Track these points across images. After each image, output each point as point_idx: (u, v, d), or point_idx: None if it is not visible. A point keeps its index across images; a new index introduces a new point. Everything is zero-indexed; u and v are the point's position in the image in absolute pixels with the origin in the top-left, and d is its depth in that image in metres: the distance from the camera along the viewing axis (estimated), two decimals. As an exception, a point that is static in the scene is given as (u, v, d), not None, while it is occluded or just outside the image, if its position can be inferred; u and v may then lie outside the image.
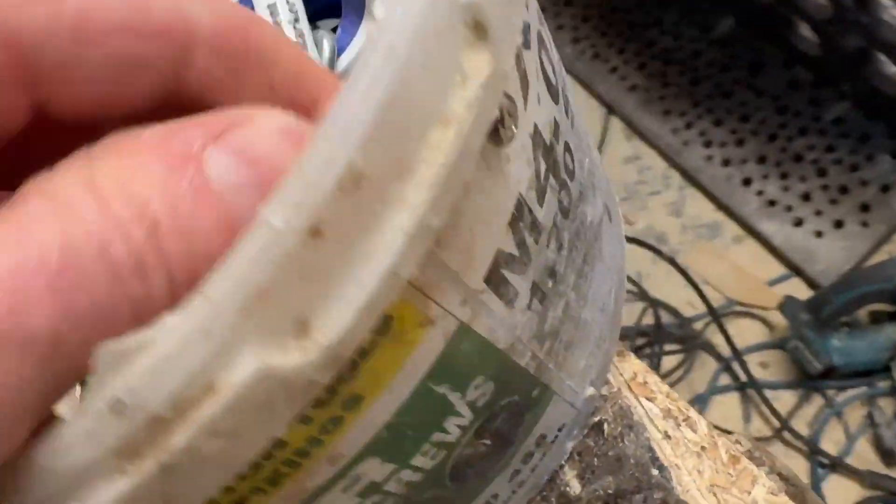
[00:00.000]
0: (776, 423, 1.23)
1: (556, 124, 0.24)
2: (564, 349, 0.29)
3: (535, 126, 0.22)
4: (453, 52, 0.16)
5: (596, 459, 0.41)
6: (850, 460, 1.18)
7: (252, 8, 0.59)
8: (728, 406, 1.28)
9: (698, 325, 1.35)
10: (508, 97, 0.19)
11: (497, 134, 0.19)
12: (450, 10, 0.16)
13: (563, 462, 0.40)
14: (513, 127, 0.20)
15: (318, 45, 0.59)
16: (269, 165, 0.16)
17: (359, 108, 0.15)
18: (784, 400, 1.26)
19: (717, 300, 1.35)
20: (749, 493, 0.41)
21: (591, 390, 0.35)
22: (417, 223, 0.16)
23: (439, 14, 0.16)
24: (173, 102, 0.20)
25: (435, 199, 0.16)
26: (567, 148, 0.25)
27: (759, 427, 1.25)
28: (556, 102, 0.24)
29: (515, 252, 0.22)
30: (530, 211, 0.22)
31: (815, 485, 1.17)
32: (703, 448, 0.43)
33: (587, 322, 0.31)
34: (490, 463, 0.28)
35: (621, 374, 0.45)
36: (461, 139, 0.16)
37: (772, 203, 1.41)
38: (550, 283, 0.25)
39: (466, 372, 0.22)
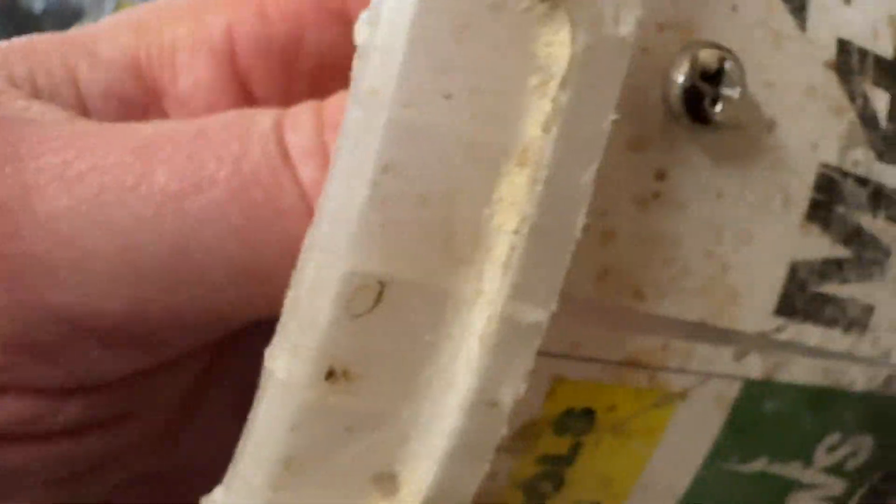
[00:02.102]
0: None
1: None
2: None
3: (843, 46, 0.14)
4: (519, 40, 0.11)
5: None
6: None
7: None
8: None
9: None
10: (713, 45, 0.12)
11: (699, 109, 0.12)
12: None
13: None
14: (733, 87, 0.12)
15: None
16: None
17: (353, 195, 0.10)
18: None
19: None
20: None
21: None
22: (506, 315, 0.11)
23: None
24: None
25: (523, 271, 0.11)
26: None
27: None
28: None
29: (840, 253, 0.14)
30: (861, 181, 0.14)
31: None
32: None
33: None
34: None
35: None
36: (543, 182, 0.10)
37: None
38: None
39: (799, 434, 0.15)
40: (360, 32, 0.11)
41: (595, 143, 0.11)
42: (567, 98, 0.10)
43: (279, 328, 0.11)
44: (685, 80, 0.12)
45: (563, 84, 0.10)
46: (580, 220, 0.11)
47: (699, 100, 0.12)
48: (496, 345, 0.11)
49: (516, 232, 0.11)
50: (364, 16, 0.11)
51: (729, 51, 0.12)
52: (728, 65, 0.12)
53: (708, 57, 0.12)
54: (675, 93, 0.12)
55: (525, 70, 0.11)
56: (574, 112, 0.10)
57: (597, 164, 0.11)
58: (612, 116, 0.11)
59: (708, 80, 0.12)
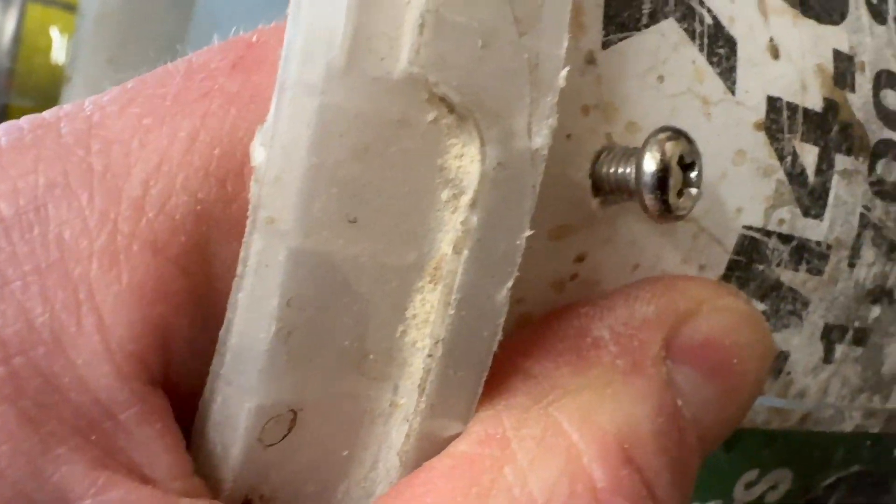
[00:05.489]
0: None
1: (846, 58, 0.15)
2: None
3: (773, 104, 0.13)
4: (425, 155, 0.10)
5: None
6: None
7: None
8: None
9: None
10: (678, 134, 0.11)
11: (664, 202, 0.11)
12: (385, 93, 0.09)
13: None
14: (697, 185, 0.11)
15: None
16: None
17: (258, 330, 0.10)
18: None
19: None
20: None
21: None
22: (424, 433, 0.11)
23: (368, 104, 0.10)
24: None
25: (439, 392, 0.10)
26: (891, 78, 0.15)
27: None
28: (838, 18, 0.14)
29: (760, 306, 0.14)
30: (784, 238, 0.14)
31: None
32: None
33: None
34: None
35: None
36: (456, 304, 0.10)
37: None
38: (877, 311, 0.16)
39: (715, 474, 0.16)
40: (256, 154, 0.10)
41: (509, 261, 0.10)
42: (477, 219, 0.10)
43: (193, 455, 0.11)
44: (658, 171, 0.11)
45: (473, 204, 0.10)
46: (496, 338, 0.11)
47: (666, 190, 0.11)
48: (415, 460, 0.11)
49: (430, 355, 0.10)
50: (258, 136, 0.10)
51: (692, 144, 0.11)
52: (698, 165, 0.11)
53: (679, 151, 0.11)
54: (647, 181, 0.11)
55: (435, 184, 0.10)
56: (485, 233, 0.10)
57: (512, 281, 0.10)
58: (527, 233, 0.10)
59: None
